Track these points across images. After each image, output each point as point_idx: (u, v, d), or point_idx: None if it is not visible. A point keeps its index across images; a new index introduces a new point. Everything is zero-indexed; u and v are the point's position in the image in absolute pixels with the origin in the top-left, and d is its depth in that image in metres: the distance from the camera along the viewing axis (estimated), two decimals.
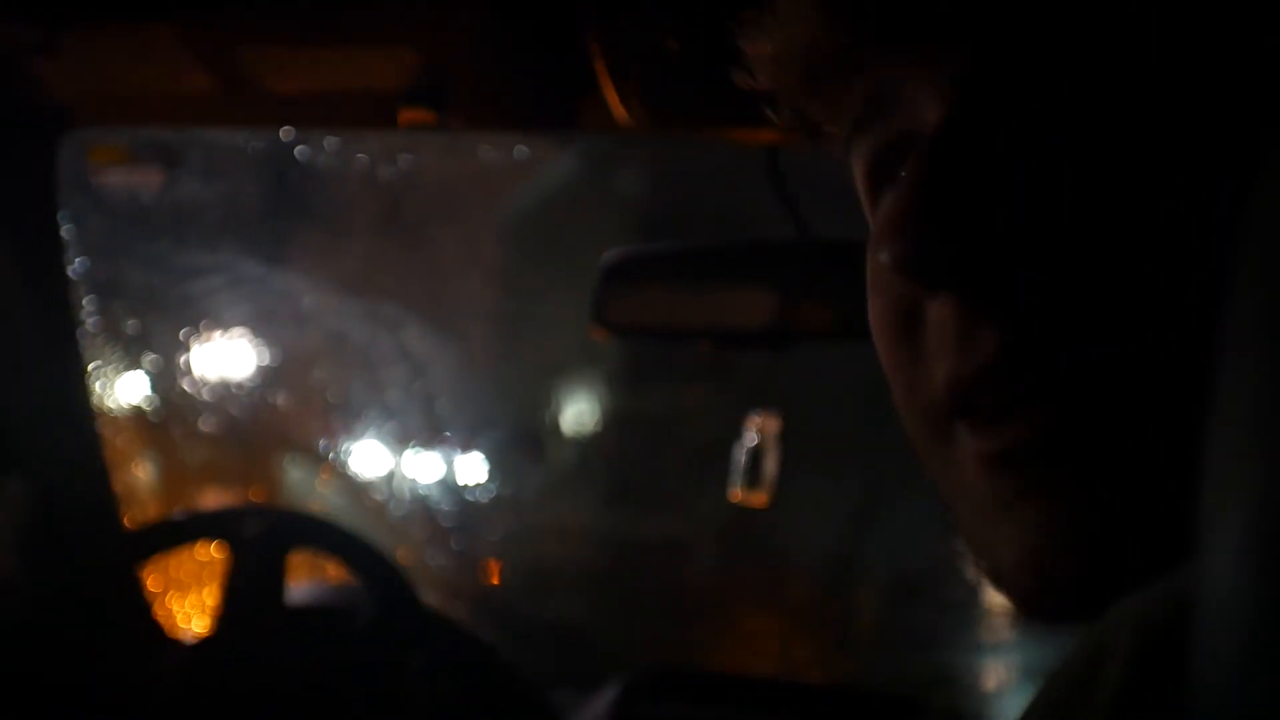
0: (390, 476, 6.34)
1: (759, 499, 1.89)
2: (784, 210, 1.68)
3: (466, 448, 6.39)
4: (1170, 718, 0.46)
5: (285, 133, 4.46)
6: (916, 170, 0.62)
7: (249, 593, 2.00)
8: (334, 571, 2.31)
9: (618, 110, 1.58)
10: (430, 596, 2.08)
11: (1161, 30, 0.58)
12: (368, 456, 6.36)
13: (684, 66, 1.48)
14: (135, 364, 5.43)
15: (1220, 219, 0.53)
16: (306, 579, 2.46)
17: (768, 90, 0.74)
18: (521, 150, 5.91)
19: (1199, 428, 0.43)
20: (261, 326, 5.81)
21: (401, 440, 6.33)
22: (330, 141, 5.33)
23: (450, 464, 6.40)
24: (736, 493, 1.90)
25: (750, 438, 1.87)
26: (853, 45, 0.68)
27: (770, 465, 1.88)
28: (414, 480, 6.37)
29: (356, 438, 6.33)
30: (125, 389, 5.42)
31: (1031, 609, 0.64)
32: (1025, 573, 0.62)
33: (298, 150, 5.47)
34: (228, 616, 2.00)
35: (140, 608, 2.24)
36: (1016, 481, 0.62)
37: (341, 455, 6.32)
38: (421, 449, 6.36)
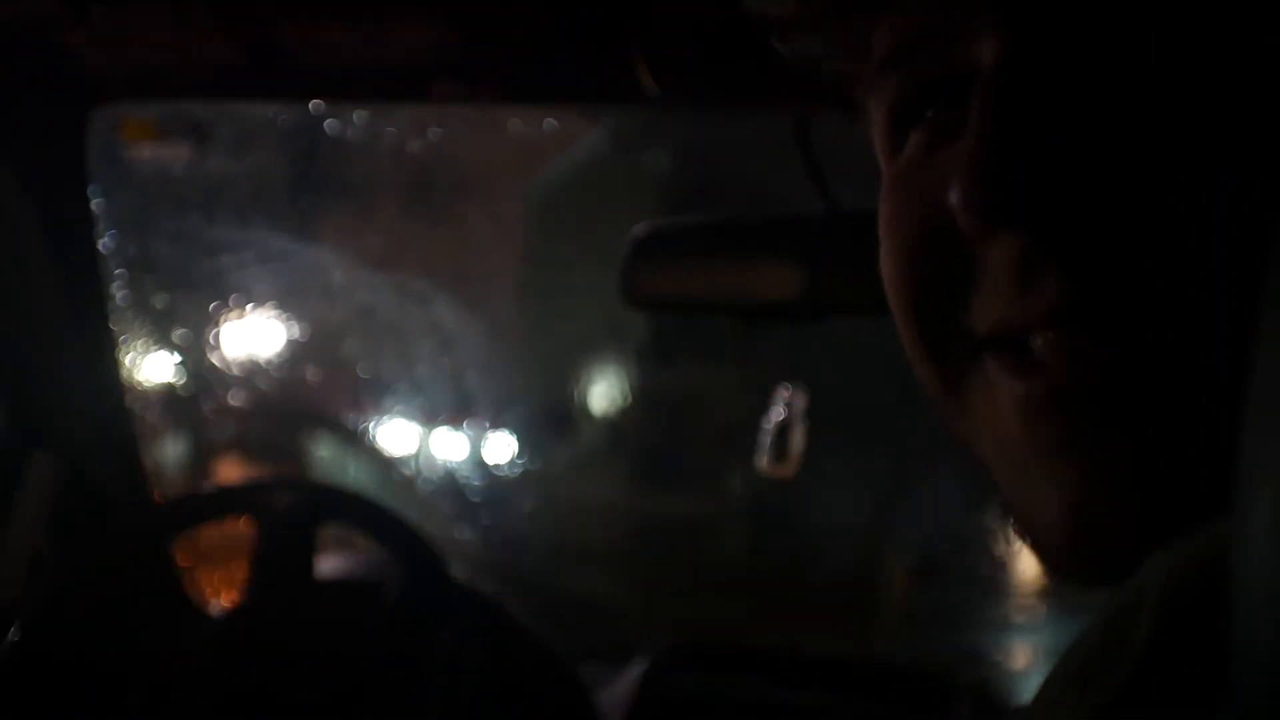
0: (418, 452, 6.36)
1: (785, 471, 1.89)
2: (812, 183, 1.67)
3: (494, 424, 6.40)
4: (1198, 670, 0.46)
5: (315, 106, 4.45)
6: (985, 108, 0.60)
7: (278, 566, 2.00)
8: (363, 545, 2.32)
9: (649, 83, 1.58)
10: (459, 571, 2.08)
11: None
12: (396, 432, 6.37)
13: (715, 39, 1.47)
14: (165, 339, 5.45)
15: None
16: (335, 553, 2.46)
17: (787, 21, 0.72)
18: (551, 124, 5.90)
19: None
20: (290, 301, 5.82)
21: (429, 416, 6.34)
22: (360, 115, 5.32)
23: (477, 441, 6.41)
24: (764, 465, 1.90)
25: (778, 411, 1.87)
26: None
27: (796, 439, 1.88)
28: (442, 456, 6.38)
29: (385, 413, 6.35)
30: (154, 364, 5.44)
31: (1067, 570, 0.63)
32: (1064, 531, 0.60)
33: (327, 124, 5.47)
34: (256, 590, 2.00)
35: (170, 582, 2.25)
36: (1060, 429, 0.60)
37: (370, 431, 6.34)
38: (449, 425, 6.37)
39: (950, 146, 0.64)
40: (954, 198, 0.60)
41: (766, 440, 1.88)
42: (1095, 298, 0.58)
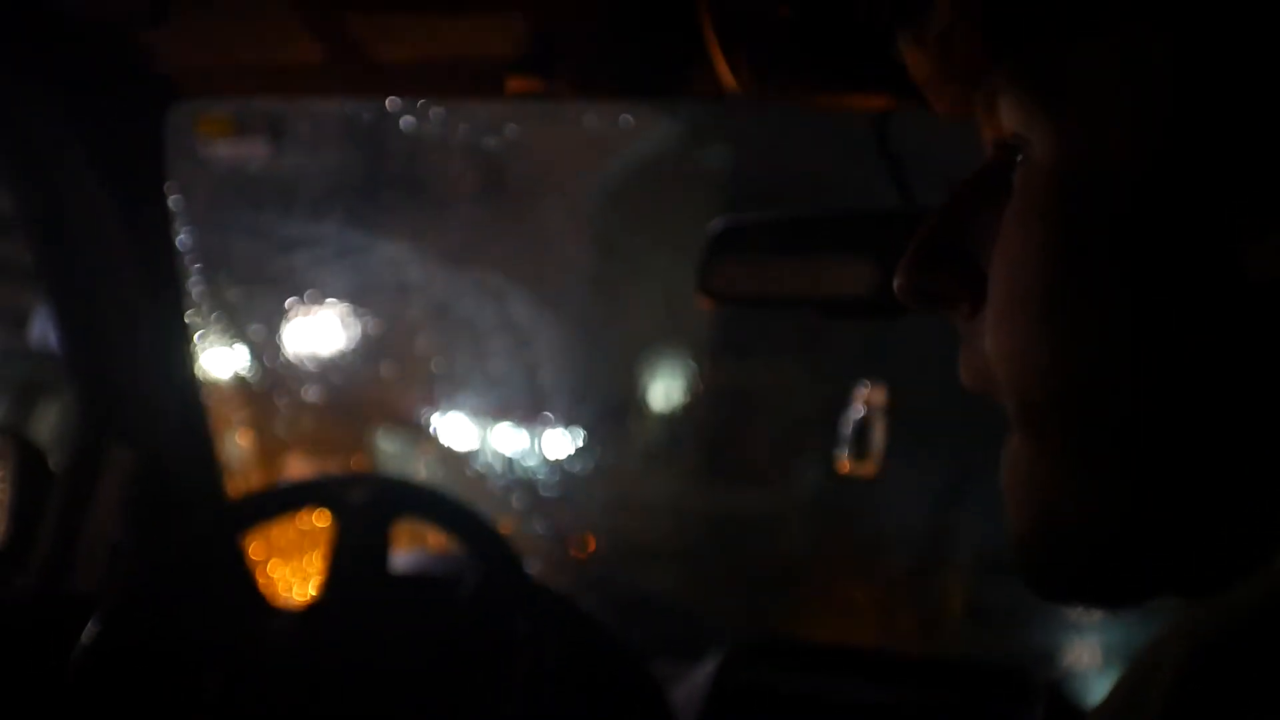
0: (488, 449, 6.37)
1: (866, 469, 1.88)
2: (891, 178, 1.66)
3: (561, 420, 6.41)
4: None
5: (391, 103, 4.47)
6: (934, 213, 0.71)
7: (354, 560, 2.01)
8: (437, 540, 2.32)
9: (726, 78, 1.57)
10: (530, 566, 2.08)
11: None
12: (465, 428, 6.39)
13: (794, 33, 1.47)
14: (239, 334, 5.48)
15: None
16: (411, 547, 2.47)
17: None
18: (626, 119, 5.90)
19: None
20: (363, 297, 5.85)
21: (499, 411, 6.36)
22: (435, 112, 5.34)
23: (546, 436, 6.42)
24: (844, 464, 1.89)
25: (857, 409, 1.86)
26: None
27: (877, 436, 1.87)
28: (510, 452, 6.39)
29: (456, 408, 6.37)
30: (229, 358, 5.48)
31: (1028, 579, 0.69)
32: (1019, 550, 0.68)
33: (403, 120, 5.49)
34: (332, 584, 2.01)
35: (244, 575, 2.26)
36: (1008, 473, 0.69)
37: (440, 426, 6.36)
38: (519, 421, 6.39)
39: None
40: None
41: (845, 438, 1.87)
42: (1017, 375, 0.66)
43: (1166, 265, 0.58)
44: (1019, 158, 0.65)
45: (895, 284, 0.70)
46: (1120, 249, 0.59)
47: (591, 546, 6.30)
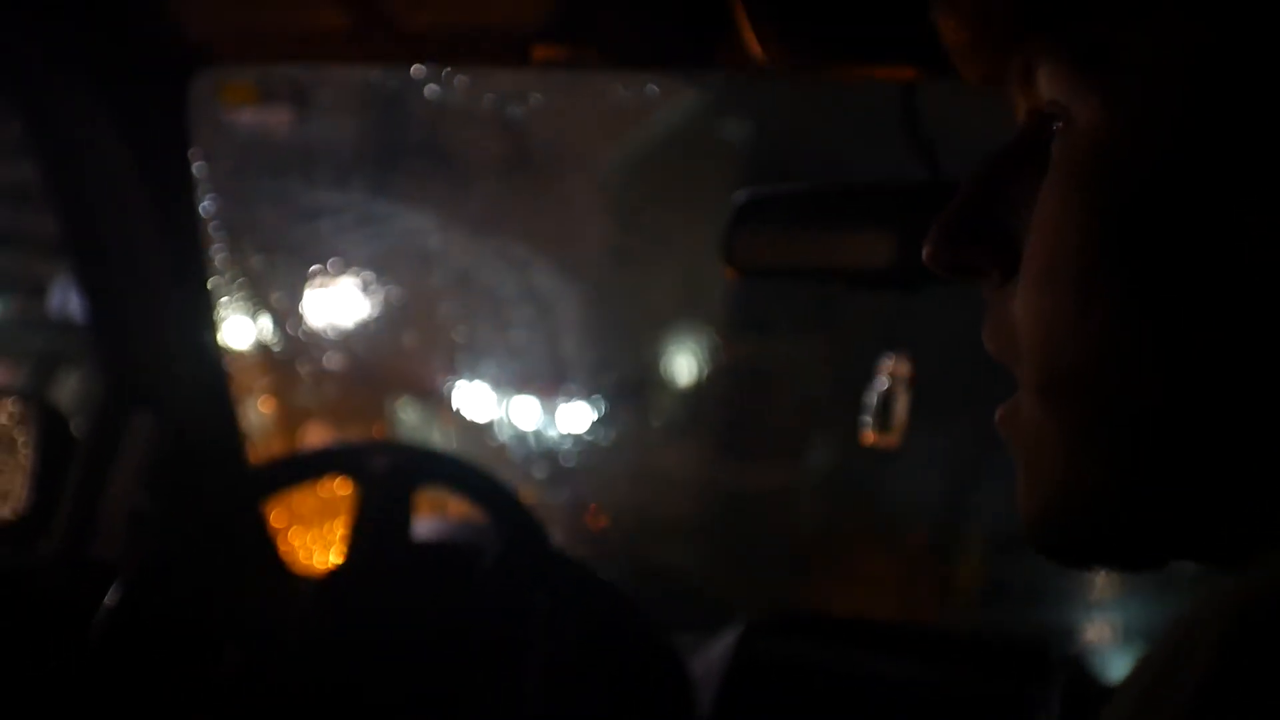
0: (507, 419, 6.38)
1: (889, 441, 1.89)
2: (917, 149, 1.66)
3: (579, 393, 6.42)
4: (1260, 712, 0.47)
5: (416, 71, 4.46)
6: (966, 181, 0.69)
7: (375, 528, 2.01)
8: (460, 508, 2.32)
9: (754, 49, 1.57)
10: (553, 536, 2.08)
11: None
12: (485, 399, 6.40)
13: (823, 4, 1.46)
14: (262, 301, 5.49)
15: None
16: (433, 515, 2.46)
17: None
18: (652, 89, 5.89)
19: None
20: (385, 265, 5.85)
21: (520, 383, 6.36)
22: (460, 80, 5.33)
23: (563, 409, 6.43)
24: (868, 434, 1.89)
25: (882, 381, 1.86)
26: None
27: (900, 408, 1.87)
28: (527, 424, 6.40)
29: (475, 379, 6.37)
30: (251, 326, 5.49)
31: (1042, 547, 0.68)
32: (1025, 515, 0.68)
33: (427, 89, 5.48)
34: (354, 552, 2.01)
35: (265, 543, 2.26)
36: (1013, 443, 0.69)
37: (459, 396, 6.36)
38: (539, 394, 6.39)
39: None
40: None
41: (869, 409, 1.88)
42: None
43: (1203, 242, 0.58)
44: (1057, 126, 0.64)
45: (925, 252, 0.69)
46: (1158, 223, 0.59)
47: (602, 521, 6.30)
